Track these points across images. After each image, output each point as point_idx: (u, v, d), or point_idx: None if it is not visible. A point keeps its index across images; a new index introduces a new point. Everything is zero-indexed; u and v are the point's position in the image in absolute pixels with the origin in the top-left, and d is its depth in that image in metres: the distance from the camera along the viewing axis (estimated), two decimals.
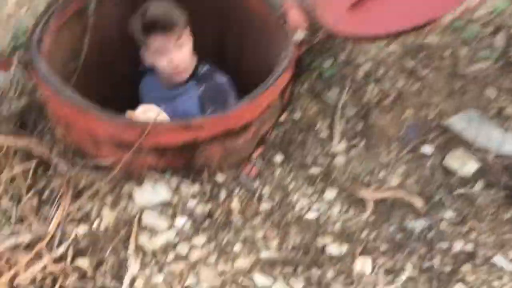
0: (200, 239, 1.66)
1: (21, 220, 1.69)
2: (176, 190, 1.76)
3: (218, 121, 1.69)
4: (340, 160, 1.98)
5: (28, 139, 1.81)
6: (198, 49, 2.57)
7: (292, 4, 2.06)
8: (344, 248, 1.76)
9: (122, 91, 2.66)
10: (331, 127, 2.05)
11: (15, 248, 1.58)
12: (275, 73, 1.80)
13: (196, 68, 2.04)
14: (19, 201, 1.74)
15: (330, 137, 2.03)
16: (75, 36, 2.20)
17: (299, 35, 1.94)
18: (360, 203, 1.88)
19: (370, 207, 1.87)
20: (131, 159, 1.70)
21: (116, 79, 2.55)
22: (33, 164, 1.77)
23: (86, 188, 1.74)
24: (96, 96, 2.47)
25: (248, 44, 2.46)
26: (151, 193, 1.73)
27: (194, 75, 2.02)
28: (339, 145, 2.02)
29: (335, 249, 1.75)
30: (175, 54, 1.86)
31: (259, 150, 1.97)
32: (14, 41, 1.78)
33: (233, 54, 2.60)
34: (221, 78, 2.02)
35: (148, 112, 1.67)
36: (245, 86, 2.61)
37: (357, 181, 1.93)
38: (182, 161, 1.80)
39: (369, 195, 1.89)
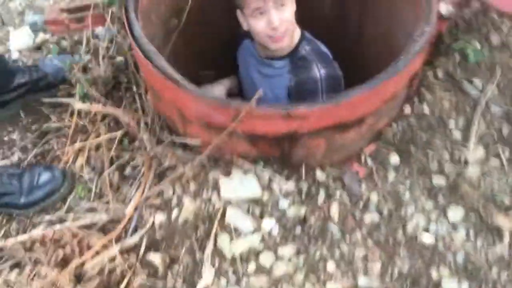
0: (288, 250, 1.42)
1: (100, 196, 1.57)
2: (268, 185, 1.52)
3: (326, 113, 1.39)
4: (473, 171, 1.58)
5: (116, 107, 1.66)
6: (312, 11, 2.25)
7: None
8: (464, 286, 1.41)
9: (228, 52, 2.46)
10: (467, 127, 1.64)
11: (90, 227, 1.47)
12: (406, 54, 1.44)
13: (297, 47, 1.73)
14: (101, 173, 1.62)
15: (465, 139, 1.63)
16: None
17: (445, 6, 1.53)
18: (494, 231, 1.50)
19: (506, 238, 1.48)
20: (220, 143, 1.48)
21: (220, 39, 2.34)
22: (119, 134, 1.62)
23: (170, 169, 1.56)
24: (197, 59, 2.33)
25: (374, 9, 2.07)
26: (239, 186, 1.51)
27: (292, 54, 1.73)
28: (474, 152, 1.62)
29: (452, 285, 1.41)
30: (274, 14, 1.56)
31: (372, 146, 1.65)
32: None
33: (353, 23, 2.23)
34: (320, 71, 1.68)
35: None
36: (365, 59, 2.28)
37: (493, 202, 1.54)
38: (278, 152, 1.54)
39: (507, 222, 1.50)
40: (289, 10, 1.62)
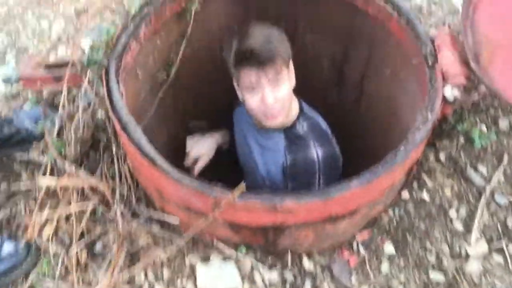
0: None
1: (65, 274, 1.44)
2: (250, 275, 1.40)
3: (316, 207, 1.27)
4: (474, 267, 1.47)
5: (90, 174, 1.54)
6: (310, 75, 2.15)
7: (447, 40, 1.53)
8: None
9: (221, 103, 2.36)
10: (470, 217, 1.53)
11: None
12: (406, 144, 1.33)
13: (294, 123, 1.59)
14: (69, 247, 1.49)
15: (467, 231, 1.52)
16: (168, 43, 1.88)
17: (451, 89, 1.42)
18: None
19: None
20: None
21: (212, 92, 2.23)
22: (90, 205, 1.49)
23: (144, 249, 1.43)
24: (188, 109, 2.22)
25: (376, 79, 1.96)
26: (218, 274, 1.39)
27: (289, 130, 1.59)
28: (477, 245, 1.50)
29: None
30: (269, 92, 1.42)
31: (366, 233, 1.53)
32: (90, 52, 1.49)
33: (352, 86, 2.12)
34: (317, 151, 1.54)
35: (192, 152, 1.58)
36: (364, 123, 2.17)
37: None
38: (262, 240, 1.42)
39: None
40: (286, 87, 1.46)
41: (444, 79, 1.46)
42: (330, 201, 1.26)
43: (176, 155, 2.12)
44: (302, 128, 1.57)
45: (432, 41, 1.56)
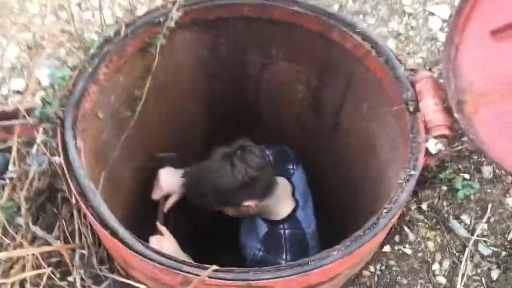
0: None
1: None
2: None
3: (293, 281, 1.18)
4: None
5: (46, 233, 1.42)
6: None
7: (429, 84, 1.46)
8: None
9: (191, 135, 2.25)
10: (454, 270, 1.47)
11: None
12: (390, 210, 1.25)
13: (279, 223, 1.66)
14: None
15: (451, 285, 1.46)
16: (132, 79, 1.75)
17: (435, 144, 1.35)
18: None
19: None
20: None
21: (182, 127, 2.13)
22: (47, 271, 1.37)
23: None
24: (156, 141, 2.10)
25: (353, 111, 1.89)
26: None
27: (273, 225, 1.66)
28: None
29: None
30: None
31: None
32: (43, 105, 1.36)
33: (329, 115, 2.04)
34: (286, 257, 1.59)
35: (162, 246, 1.48)
36: (340, 155, 2.11)
37: None
38: None
39: None
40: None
41: (427, 129, 1.39)
42: (308, 275, 1.18)
43: (144, 187, 2.01)
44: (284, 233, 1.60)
45: (413, 85, 1.49)
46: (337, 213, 2.14)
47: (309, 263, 1.17)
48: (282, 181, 1.67)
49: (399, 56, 1.72)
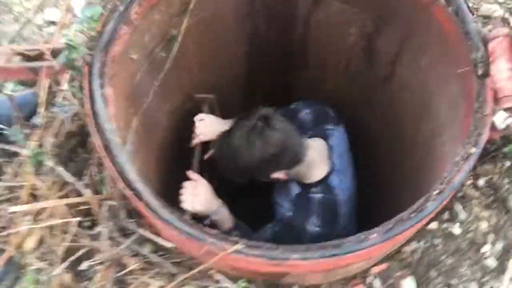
0: None
1: None
2: None
3: (324, 263, 1.09)
4: None
5: (76, 183, 1.39)
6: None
7: (504, 44, 1.25)
8: None
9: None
10: (505, 255, 1.34)
11: None
12: (441, 191, 1.11)
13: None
14: (51, 264, 1.37)
15: (500, 270, 1.34)
16: (169, 16, 1.61)
17: (504, 118, 1.17)
18: None
19: None
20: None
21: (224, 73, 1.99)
22: (74, 220, 1.35)
23: (132, 274, 1.30)
24: (195, 81, 1.98)
25: (409, 65, 1.68)
26: None
27: (304, 188, 1.56)
28: (510, 286, 1.33)
29: None
30: None
31: (383, 266, 1.36)
32: (68, 50, 1.25)
33: (383, 64, 1.84)
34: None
35: (196, 191, 1.46)
36: (391, 111, 1.92)
37: None
38: (265, 277, 1.27)
39: None
40: None
41: (496, 99, 1.20)
42: (342, 258, 1.08)
43: (181, 127, 1.94)
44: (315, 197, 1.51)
45: (486, 43, 1.27)
46: (381, 175, 2.01)
47: (343, 245, 1.07)
48: (317, 143, 1.55)
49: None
